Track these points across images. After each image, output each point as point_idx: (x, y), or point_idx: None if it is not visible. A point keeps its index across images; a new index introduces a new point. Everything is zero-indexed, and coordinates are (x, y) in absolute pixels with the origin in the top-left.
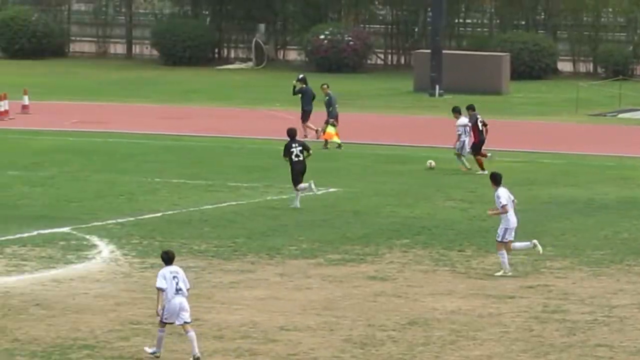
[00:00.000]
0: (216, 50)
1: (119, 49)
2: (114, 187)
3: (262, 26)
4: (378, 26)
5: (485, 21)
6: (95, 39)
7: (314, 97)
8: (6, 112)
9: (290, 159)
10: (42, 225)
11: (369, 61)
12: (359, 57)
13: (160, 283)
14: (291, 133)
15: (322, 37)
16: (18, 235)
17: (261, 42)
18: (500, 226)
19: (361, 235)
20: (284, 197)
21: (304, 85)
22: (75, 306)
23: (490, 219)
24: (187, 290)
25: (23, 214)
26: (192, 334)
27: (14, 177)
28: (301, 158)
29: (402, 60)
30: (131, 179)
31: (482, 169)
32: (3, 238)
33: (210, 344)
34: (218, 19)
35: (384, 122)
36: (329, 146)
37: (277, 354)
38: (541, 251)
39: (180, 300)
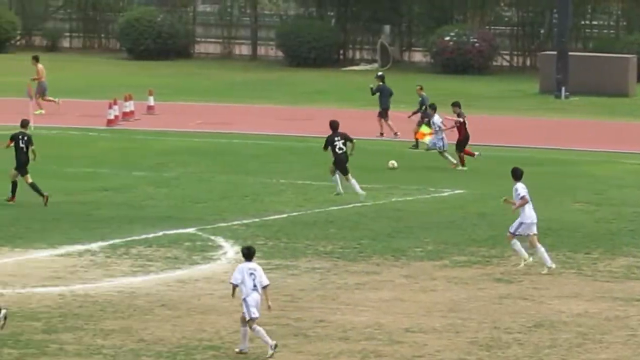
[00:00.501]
0: (341, 52)
1: (244, 50)
2: (239, 188)
3: (387, 27)
4: (504, 27)
5: (611, 23)
6: (220, 40)
7: (391, 95)
8: (132, 112)
9: (334, 151)
10: (168, 226)
11: (494, 63)
12: (485, 59)
13: (235, 279)
14: (334, 125)
15: (447, 38)
16: (144, 236)
17: (386, 44)
18: (517, 220)
19: (487, 237)
20: (409, 198)
21: (381, 83)
22: (200, 307)
23: (617, 221)
24: (263, 288)
25: (148, 215)
26: (246, 330)
27: (139, 177)
28: (344, 150)
29: (528, 62)
30: (256, 180)
31: (463, 165)
32: (129, 238)
33: (335, 346)
34: (343, 20)
35: (510, 124)
36: (420, 147)
37: (402, 355)
38: (529, 263)
39: (256, 297)
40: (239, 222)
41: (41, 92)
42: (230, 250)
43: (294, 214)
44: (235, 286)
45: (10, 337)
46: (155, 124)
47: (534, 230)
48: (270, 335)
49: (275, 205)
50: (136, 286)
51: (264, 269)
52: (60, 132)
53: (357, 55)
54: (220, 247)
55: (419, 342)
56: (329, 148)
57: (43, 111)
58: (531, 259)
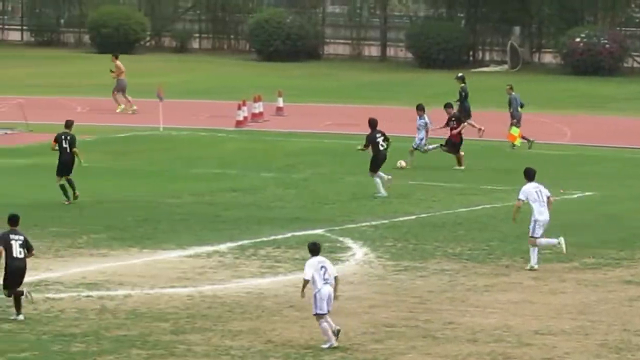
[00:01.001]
0: (471, 53)
1: (373, 51)
2: (367, 189)
3: (517, 29)
4: (634, 29)
5: None
6: (349, 41)
7: (466, 96)
8: (261, 114)
9: (377, 148)
10: (296, 227)
11: (625, 64)
12: (615, 60)
13: (307, 274)
14: (373, 123)
15: (577, 39)
16: (272, 237)
17: (516, 45)
18: (531, 219)
19: (617, 239)
20: None
21: (463, 84)
22: None
23: None
24: (335, 278)
25: (277, 216)
26: (325, 325)
27: (268, 178)
28: (385, 147)
29: None
30: None
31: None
32: (257, 240)
33: (464, 347)
34: (473, 22)
35: None
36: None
37: (531, 358)
38: (564, 250)
39: (329, 290)
40: (367, 224)
41: (121, 90)
42: (359, 251)
43: (423, 215)
44: (306, 282)
45: (138, 338)
46: (284, 125)
47: (541, 231)
48: (399, 337)
49: (404, 206)
50: (264, 287)
51: (392, 270)
52: (190, 134)
53: (487, 57)
54: (348, 248)
55: (548, 344)
56: (370, 146)
57: (123, 107)
58: (537, 267)
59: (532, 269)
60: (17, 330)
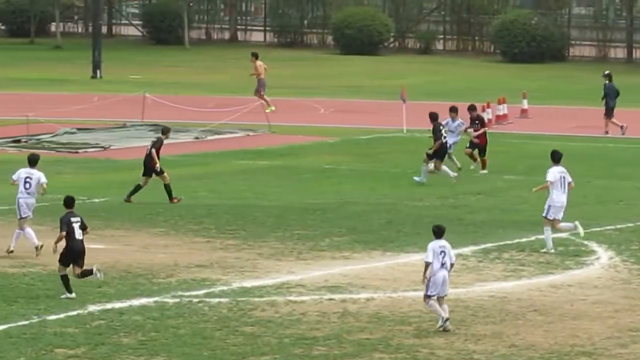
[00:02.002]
0: None
1: (619, 53)
2: (613, 192)
3: None
4: None
5: None
6: (595, 43)
7: (617, 94)
8: (505, 116)
9: (441, 139)
10: (540, 230)
11: None
12: None
13: (428, 257)
14: (434, 116)
15: None
16: (516, 240)
17: None
18: (546, 202)
19: None
20: None
21: (608, 82)
22: (572, 312)
23: None
24: (452, 265)
25: (521, 219)
26: (445, 306)
27: (512, 181)
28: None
29: None
30: (632, 184)
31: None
32: (501, 243)
33: None
34: None
35: None
36: None
37: None
38: (582, 233)
39: (444, 274)
40: (612, 227)
41: (260, 89)
42: (604, 255)
43: None
44: (429, 264)
45: (380, 342)
46: (529, 127)
47: (560, 215)
48: None
49: None
50: (508, 291)
51: (638, 274)
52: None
53: None
54: (593, 252)
55: None
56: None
57: (273, 107)
58: (552, 251)
59: (547, 252)
60: (259, 333)
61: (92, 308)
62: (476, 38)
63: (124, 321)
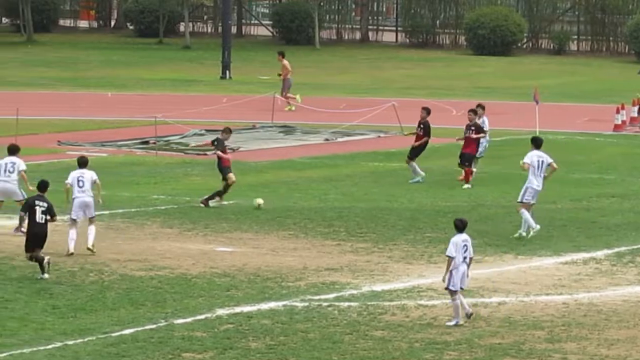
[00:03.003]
0: None
1: None
2: None
3: None
4: None
5: None
6: None
7: None
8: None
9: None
10: None
11: None
12: None
13: (450, 251)
14: (428, 110)
15: None
16: None
17: None
18: (524, 185)
19: None
20: None
21: None
22: None
23: None
24: (471, 259)
25: None
26: (461, 300)
27: None
28: None
29: None
30: None
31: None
32: (635, 246)
33: None
34: None
35: None
36: None
37: None
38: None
39: (464, 268)
40: None
41: (286, 89)
42: None
43: None
44: (452, 258)
45: (512, 346)
46: None
47: (534, 200)
48: None
49: None
50: None
51: None
52: (567, 137)
53: None
54: None
55: None
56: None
57: (293, 108)
58: (538, 227)
59: (520, 237)
60: (389, 337)
61: (220, 312)
62: (610, 38)
63: (253, 325)
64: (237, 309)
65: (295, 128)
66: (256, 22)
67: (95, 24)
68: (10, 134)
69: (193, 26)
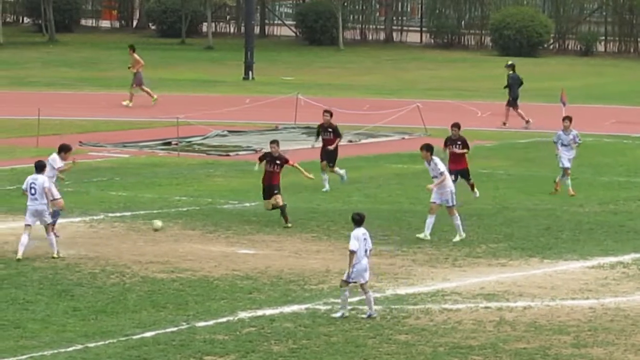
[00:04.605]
0: None
1: None
2: None
3: None
4: None
5: None
6: None
7: (521, 84)
8: None
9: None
10: None
11: None
12: None
13: (353, 245)
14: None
15: None
16: None
17: None
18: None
19: None
20: None
21: (511, 72)
22: None
23: None
24: (370, 251)
25: None
26: (370, 294)
27: None
28: None
29: None
30: None
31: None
32: None
33: None
34: None
35: None
36: None
37: None
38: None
39: (365, 261)
40: None
41: (136, 84)
42: None
43: None
44: (354, 252)
45: (538, 351)
46: None
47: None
48: None
49: None
50: None
51: None
52: (595, 140)
53: None
54: None
55: None
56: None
57: (131, 104)
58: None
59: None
60: (413, 341)
61: (242, 315)
62: (638, 40)
63: (275, 328)
64: (260, 312)
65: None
66: (279, 22)
67: (117, 24)
68: (33, 134)
69: (216, 26)
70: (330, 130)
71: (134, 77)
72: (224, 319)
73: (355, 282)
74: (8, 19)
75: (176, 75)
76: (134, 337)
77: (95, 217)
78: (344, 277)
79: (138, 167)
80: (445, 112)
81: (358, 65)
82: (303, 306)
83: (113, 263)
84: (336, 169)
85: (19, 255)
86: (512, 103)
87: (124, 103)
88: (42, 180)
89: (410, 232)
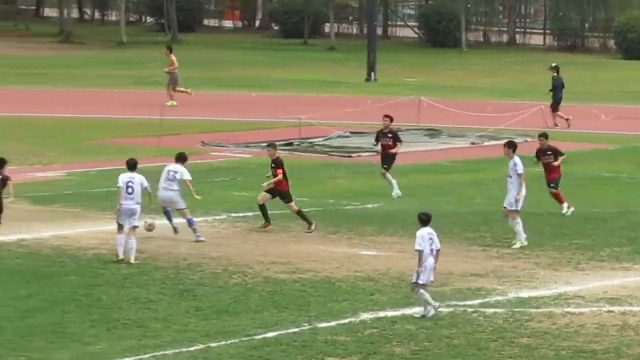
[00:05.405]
0: None
1: None
2: None
3: None
4: None
5: None
6: None
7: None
8: None
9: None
10: None
11: None
12: None
13: (419, 245)
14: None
15: None
16: None
17: None
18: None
19: None
20: None
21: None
22: None
23: None
24: (437, 251)
25: None
26: (427, 296)
27: None
28: None
29: None
30: None
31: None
32: None
33: None
34: None
35: None
36: None
37: None
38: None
39: (432, 261)
40: None
41: (173, 84)
42: None
43: None
44: (421, 252)
45: None
46: None
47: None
48: None
49: None
50: None
51: None
52: None
53: None
54: None
55: None
56: None
57: (175, 103)
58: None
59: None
60: (535, 345)
61: (364, 316)
62: None
63: (397, 330)
64: (382, 314)
65: (441, 131)
66: (402, 23)
67: (240, 24)
68: (155, 134)
69: (338, 27)
70: (390, 135)
71: (170, 77)
72: (346, 320)
73: (424, 284)
74: (131, 19)
75: (298, 76)
76: (256, 337)
77: (217, 217)
78: (413, 280)
79: (260, 168)
80: (570, 115)
81: (481, 68)
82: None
83: (235, 263)
84: (389, 176)
85: (120, 255)
86: (554, 105)
87: (168, 104)
88: (140, 179)
89: (533, 235)
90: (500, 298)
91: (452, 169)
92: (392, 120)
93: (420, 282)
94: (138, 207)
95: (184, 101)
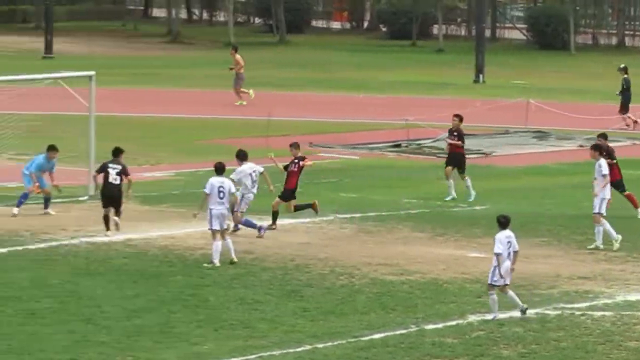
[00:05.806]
0: None
1: None
2: None
3: None
4: None
5: None
6: None
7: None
8: None
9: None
10: None
11: None
12: None
13: (497, 248)
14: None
15: None
16: None
17: None
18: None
19: None
20: None
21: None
22: None
23: None
24: (515, 254)
25: None
26: (511, 293)
27: None
28: None
29: None
30: None
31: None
32: None
33: None
34: None
35: None
36: None
37: None
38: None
39: (508, 264)
40: None
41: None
42: None
43: None
44: (499, 255)
45: None
46: None
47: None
48: None
49: None
50: None
51: None
52: None
53: None
54: None
55: None
56: None
57: (244, 102)
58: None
59: (597, 249)
60: None
61: (471, 318)
62: None
63: (504, 332)
64: (489, 316)
65: (550, 134)
66: (510, 25)
67: (347, 25)
68: (262, 134)
69: (446, 29)
70: (455, 134)
71: (236, 77)
72: (453, 322)
73: (498, 285)
74: (239, 19)
75: (406, 77)
76: (363, 338)
77: (325, 218)
78: (489, 281)
79: (367, 169)
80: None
81: (589, 70)
82: (533, 311)
83: (342, 264)
84: (467, 178)
85: (216, 262)
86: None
87: (237, 103)
88: (229, 185)
89: None
90: (607, 301)
91: (559, 171)
92: (461, 120)
93: (495, 283)
94: (227, 211)
95: (251, 101)
